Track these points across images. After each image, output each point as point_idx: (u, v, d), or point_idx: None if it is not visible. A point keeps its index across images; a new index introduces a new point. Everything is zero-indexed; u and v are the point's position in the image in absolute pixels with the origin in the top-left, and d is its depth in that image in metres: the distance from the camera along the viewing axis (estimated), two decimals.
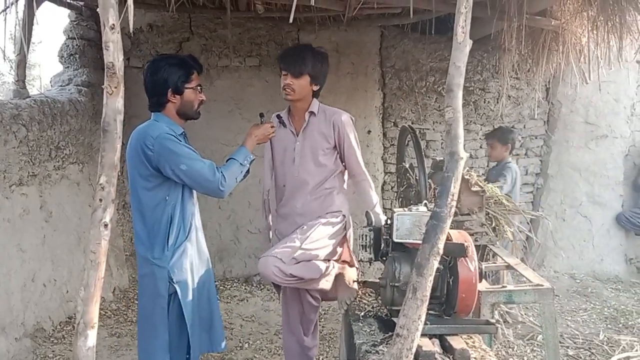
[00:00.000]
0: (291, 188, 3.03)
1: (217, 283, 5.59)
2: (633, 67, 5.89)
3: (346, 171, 3.12)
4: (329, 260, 2.97)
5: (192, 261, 2.55)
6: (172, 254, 2.48)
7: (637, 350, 3.90)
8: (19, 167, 3.94)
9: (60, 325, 4.34)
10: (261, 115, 2.96)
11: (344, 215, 3.04)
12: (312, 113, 2.99)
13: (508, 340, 3.96)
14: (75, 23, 5.36)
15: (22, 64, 4.48)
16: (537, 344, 4.02)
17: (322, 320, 4.64)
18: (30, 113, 4.06)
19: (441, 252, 1.86)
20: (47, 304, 4.25)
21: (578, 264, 5.95)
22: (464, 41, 2.00)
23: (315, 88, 2.98)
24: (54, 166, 4.43)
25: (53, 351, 3.97)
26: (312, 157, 2.99)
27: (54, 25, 13.27)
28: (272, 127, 2.85)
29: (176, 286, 2.47)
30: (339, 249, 3.04)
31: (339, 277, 2.97)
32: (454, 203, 1.89)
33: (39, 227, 4.21)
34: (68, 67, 5.38)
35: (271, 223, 3.20)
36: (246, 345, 4.23)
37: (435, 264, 1.86)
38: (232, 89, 5.85)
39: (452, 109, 1.97)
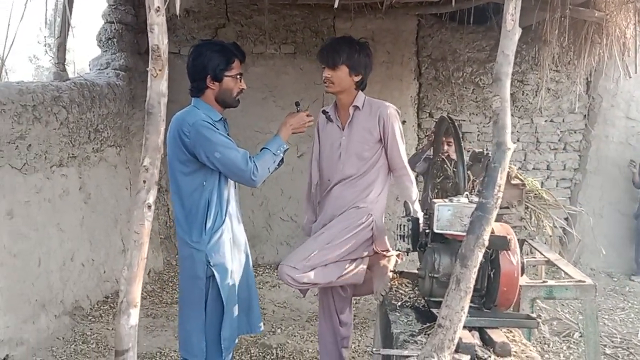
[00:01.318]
0: (335, 182, 3.02)
1: None
2: None
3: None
4: (354, 260, 2.96)
5: (230, 245, 2.57)
6: (210, 237, 2.50)
7: None
8: (59, 148, 4.01)
9: (97, 304, 4.44)
10: (297, 104, 2.89)
11: (370, 214, 2.97)
12: (356, 107, 2.95)
13: (544, 337, 3.90)
14: (113, 7, 5.41)
15: (62, 47, 4.54)
16: (574, 342, 3.96)
17: (354, 309, 4.62)
18: (70, 95, 4.13)
19: (486, 243, 1.83)
20: (85, 283, 4.34)
21: (615, 262, 5.81)
22: (514, 29, 1.95)
23: (357, 79, 2.92)
24: (93, 148, 4.51)
25: (91, 329, 4.06)
26: (357, 151, 2.95)
27: (87, 10, 13.44)
28: (308, 115, 2.76)
29: (213, 269, 2.49)
30: (366, 246, 2.99)
31: (375, 269, 2.96)
32: (501, 194, 1.86)
33: (77, 207, 4.29)
34: (106, 50, 5.44)
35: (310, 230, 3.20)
36: (279, 330, 4.26)
37: (480, 255, 1.83)
38: (267, 77, 5.85)
39: (500, 98, 1.92)
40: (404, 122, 5.79)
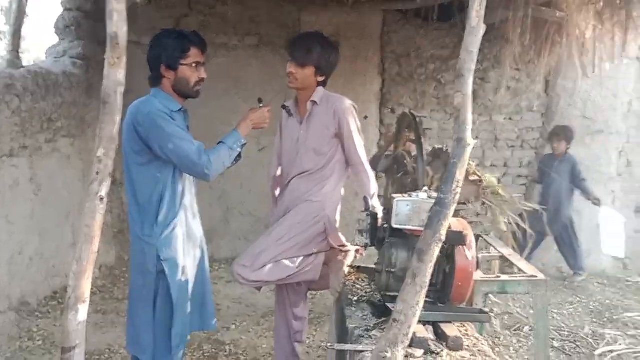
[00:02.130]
0: (293, 176, 3.01)
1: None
2: (632, 64, 5.88)
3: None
4: (308, 255, 2.95)
5: (183, 240, 2.52)
6: (162, 231, 2.44)
7: (620, 344, 3.93)
8: (11, 137, 3.86)
9: (45, 300, 4.31)
10: (260, 100, 2.83)
11: (323, 209, 2.97)
12: (314, 102, 2.94)
13: (495, 331, 3.98)
14: None
15: (17, 34, 4.39)
16: (524, 335, 4.04)
17: (311, 304, 4.61)
18: (24, 83, 3.99)
19: (443, 239, 1.84)
20: (34, 278, 4.20)
21: None
22: (478, 26, 1.95)
23: (321, 79, 2.92)
24: (46, 139, 4.36)
25: (37, 325, 3.93)
26: (315, 146, 2.94)
27: None
28: (268, 111, 2.71)
29: (164, 264, 2.44)
30: (319, 241, 2.98)
31: (331, 265, 2.95)
32: (459, 190, 1.87)
33: (28, 199, 4.15)
34: (64, 39, 5.27)
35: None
36: (233, 326, 4.22)
37: (436, 250, 1.83)
38: (230, 68, 5.78)
39: (462, 94, 1.93)
40: (366, 117, 5.83)
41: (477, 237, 3.58)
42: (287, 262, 2.90)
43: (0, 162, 3.78)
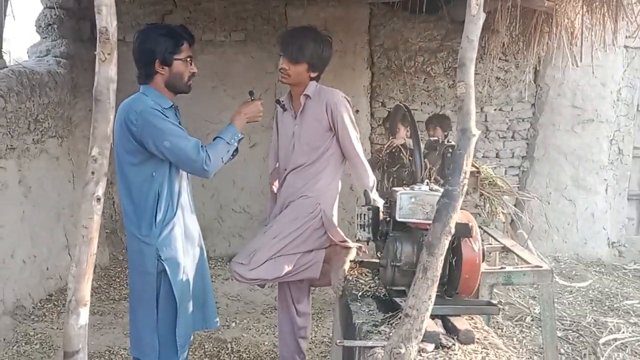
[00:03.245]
0: (289, 171, 2.98)
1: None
2: (620, 52, 5.90)
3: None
4: (307, 252, 2.92)
5: (182, 239, 2.47)
6: (160, 231, 2.39)
7: (623, 332, 3.94)
8: None
9: (40, 303, 4.23)
10: (251, 93, 2.79)
11: (318, 203, 2.93)
12: (307, 96, 2.90)
13: (497, 322, 3.96)
14: None
15: None
16: (526, 326, 4.04)
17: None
18: (8, 83, 3.90)
19: (453, 231, 1.81)
20: (27, 281, 4.12)
21: (562, 247, 6.00)
22: (478, 13, 1.93)
23: (314, 75, 2.88)
24: (33, 139, 4.27)
25: (34, 329, 3.86)
26: (309, 140, 2.91)
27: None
28: (261, 104, 2.68)
29: (165, 264, 2.39)
30: (318, 237, 2.95)
31: (332, 261, 2.91)
32: (467, 181, 1.83)
33: (17, 202, 4.06)
34: (46, 37, 5.17)
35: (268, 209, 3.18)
36: (233, 324, 4.17)
37: (446, 243, 1.80)
38: (217, 65, 5.70)
39: (465, 84, 1.90)
40: (357, 112, 5.79)
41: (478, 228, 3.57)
42: (284, 260, 2.86)
43: None
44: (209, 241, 5.75)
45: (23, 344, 3.67)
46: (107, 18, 1.88)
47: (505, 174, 6.11)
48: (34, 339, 3.74)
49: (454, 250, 2.23)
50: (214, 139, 2.45)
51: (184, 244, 2.48)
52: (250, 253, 2.83)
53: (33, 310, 4.10)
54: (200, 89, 5.47)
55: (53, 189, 4.54)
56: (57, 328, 3.81)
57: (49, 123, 4.48)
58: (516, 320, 4.12)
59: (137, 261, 2.43)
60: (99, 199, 1.98)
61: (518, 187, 6.06)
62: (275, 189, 3.16)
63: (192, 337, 2.58)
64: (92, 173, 1.99)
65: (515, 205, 5.83)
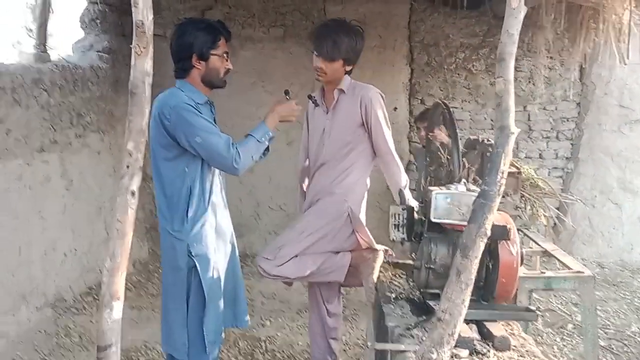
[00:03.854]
0: (318, 167, 2.96)
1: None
2: None
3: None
4: (335, 253, 2.89)
5: (213, 235, 2.47)
6: (192, 227, 2.40)
7: None
8: (41, 133, 3.87)
9: (81, 296, 4.32)
10: (286, 92, 2.77)
11: (345, 200, 2.90)
12: (341, 90, 2.88)
13: (537, 328, 3.84)
14: None
15: (42, 28, 4.38)
16: (567, 333, 3.90)
17: (345, 300, 4.54)
18: (51, 78, 3.99)
19: (488, 233, 1.75)
20: (68, 274, 4.21)
21: (607, 252, 5.76)
22: (519, 7, 1.86)
23: (349, 68, 2.87)
24: (75, 134, 4.36)
25: (74, 322, 3.94)
26: (339, 135, 2.89)
27: None
28: (297, 104, 2.64)
29: (195, 260, 2.39)
30: (346, 237, 2.90)
31: (361, 269, 2.86)
32: (504, 181, 1.77)
33: (60, 195, 4.15)
34: (89, 32, 5.26)
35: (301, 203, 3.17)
36: (268, 322, 4.17)
37: (481, 245, 1.74)
38: (255, 61, 5.71)
39: (504, 80, 1.83)
40: (395, 109, 5.72)
41: (517, 231, 3.47)
42: (310, 260, 2.83)
43: (30, 158, 3.78)
44: (246, 238, 5.78)
45: (63, 336, 3.75)
46: (143, 11, 1.89)
47: (549, 175, 5.92)
48: (74, 332, 3.81)
49: (491, 253, 2.16)
50: (245, 136, 2.45)
51: (215, 240, 2.48)
52: (277, 248, 2.81)
53: (73, 303, 4.19)
54: (238, 85, 5.52)
55: (95, 183, 4.63)
56: (97, 321, 3.87)
57: (91, 118, 4.57)
58: (557, 328, 3.99)
59: (169, 256, 2.45)
60: (133, 193, 2.00)
61: (562, 189, 5.88)
62: (304, 186, 3.14)
63: (223, 334, 2.56)
64: (127, 167, 2.01)
65: (558, 208, 5.68)
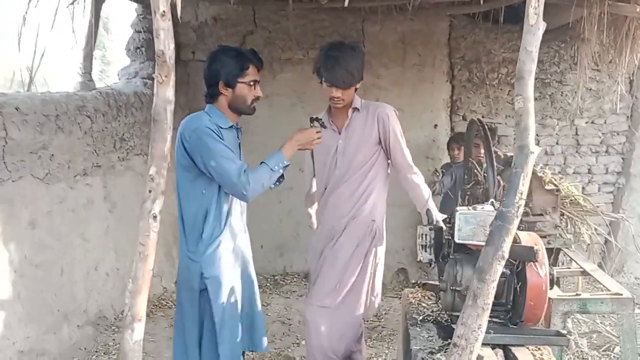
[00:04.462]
0: (332, 189, 2.95)
1: (277, 277, 5.56)
2: None
3: (389, 167, 3.03)
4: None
5: (228, 259, 2.48)
6: (206, 248, 2.43)
7: None
8: (83, 157, 4.01)
9: (122, 314, 4.40)
10: (312, 119, 2.82)
11: (373, 220, 2.95)
12: (355, 109, 2.90)
13: (582, 351, 3.67)
14: (141, 16, 5.44)
15: (88, 57, 4.57)
16: (614, 356, 3.70)
17: (383, 320, 4.50)
18: (95, 105, 4.14)
19: (506, 256, 1.69)
20: (110, 293, 4.32)
21: None
22: (537, 23, 1.81)
23: (358, 86, 2.88)
24: (118, 157, 4.50)
25: (114, 339, 4.03)
26: (356, 154, 2.89)
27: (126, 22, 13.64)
28: (317, 132, 2.66)
29: (207, 282, 2.41)
30: (365, 254, 2.97)
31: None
32: (522, 202, 1.71)
33: (102, 217, 4.28)
34: (135, 60, 5.48)
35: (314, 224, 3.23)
36: (303, 342, 4.13)
37: (499, 268, 1.68)
38: (295, 82, 5.76)
39: (523, 98, 1.79)
40: (435, 126, 5.65)
41: (557, 250, 3.33)
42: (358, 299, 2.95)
43: (74, 182, 3.92)
44: (286, 257, 5.80)
45: (102, 354, 3.84)
46: (164, 42, 1.95)
47: (599, 191, 5.69)
48: (112, 349, 3.90)
49: (519, 275, 2.09)
50: (260, 164, 2.46)
51: (232, 264, 2.49)
52: (325, 289, 2.87)
53: (114, 322, 4.28)
54: (278, 106, 5.59)
55: (137, 205, 4.70)
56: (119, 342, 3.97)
57: (134, 141, 4.71)
58: (603, 351, 3.79)
59: (185, 277, 2.49)
60: (155, 217, 2.05)
61: (612, 204, 5.64)
62: (312, 211, 3.15)
63: (243, 358, 2.56)
64: (149, 191, 2.06)
65: (608, 226, 5.44)
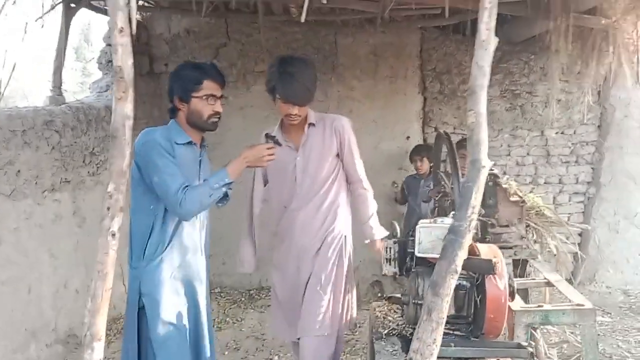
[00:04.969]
0: (294, 207, 2.90)
1: (252, 292, 5.52)
2: None
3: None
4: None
5: (170, 277, 2.42)
6: (146, 264, 2.40)
7: None
8: (52, 172, 3.95)
9: None
10: (267, 136, 2.78)
11: (344, 235, 2.96)
12: (311, 124, 2.87)
13: None
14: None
15: (58, 71, 4.53)
16: None
17: (357, 333, 4.48)
18: (63, 119, 4.09)
19: (459, 270, 1.70)
20: (80, 311, 4.20)
21: (633, 279, 5.53)
22: (488, 39, 1.84)
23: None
24: (88, 172, 4.45)
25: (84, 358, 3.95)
26: (318, 170, 2.86)
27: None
28: (269, 149, 2.54)
29: (143, 299, 2.39)
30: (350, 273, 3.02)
31: None
32: (475, 216, 1.73)
33: (71, 233, 4.22)
34: (107, 73, 5.43)
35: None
36: (276, 357, 4.12)
37: (452, 283, 1.70)
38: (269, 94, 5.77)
39: (475, 113, 1.81)
40: (408, 138, 5.69)
41: (525, 261, 3.37)
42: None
43: (41, 197, 3.86)
44: (261, 270, 5.50)
45: None
46: (122, 57, 1.94)
47: (570, 201, 5.77)
48: None
49: (479, 288, 2.11)
50: (203, 180, 2.44)
51: (172, 283, 2.42)
52: (320, 318, 2.84)
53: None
54: (253, 118, 5.57)
55: None
56: (106, 358, 3.89)
57: (105, 156, 4.65)
58: None
59: (128, 291, 2.46)
60: (113, 235, 2.03)
61: (583, 214, 5.71)
62: (245, 249, 3.12)
63: None
64: (108, 208, 2.05)
65: (580, 235, 5.51)
